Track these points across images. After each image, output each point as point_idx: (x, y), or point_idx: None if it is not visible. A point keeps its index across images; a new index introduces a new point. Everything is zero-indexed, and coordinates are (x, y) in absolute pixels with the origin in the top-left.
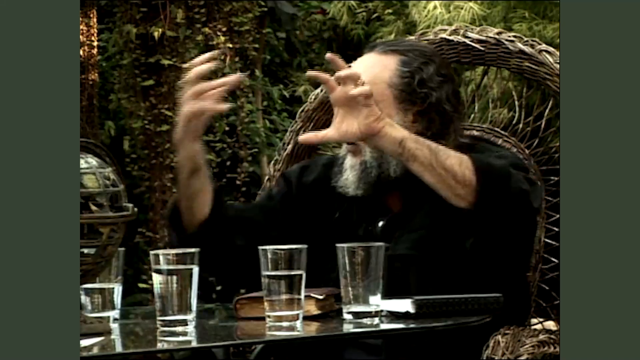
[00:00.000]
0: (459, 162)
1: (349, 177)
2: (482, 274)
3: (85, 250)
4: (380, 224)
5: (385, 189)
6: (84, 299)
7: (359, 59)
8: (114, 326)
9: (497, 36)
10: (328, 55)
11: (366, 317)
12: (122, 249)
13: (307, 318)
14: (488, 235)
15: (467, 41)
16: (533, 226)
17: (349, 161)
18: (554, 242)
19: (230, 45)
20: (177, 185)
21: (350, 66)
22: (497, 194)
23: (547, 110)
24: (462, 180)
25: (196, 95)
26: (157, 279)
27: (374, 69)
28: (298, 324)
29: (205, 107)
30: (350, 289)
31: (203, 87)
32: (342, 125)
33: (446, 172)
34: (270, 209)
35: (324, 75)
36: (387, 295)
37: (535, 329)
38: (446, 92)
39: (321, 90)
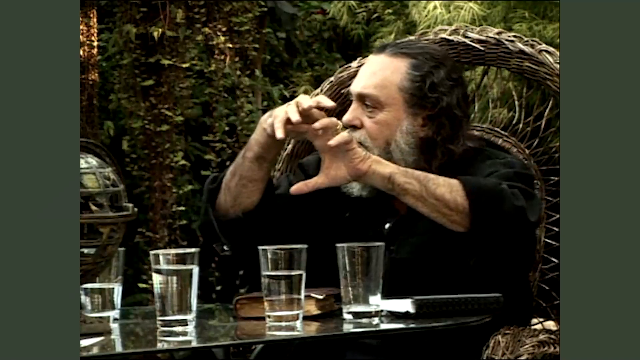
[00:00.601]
0: (449, 190)
1: None
2: (484, 280)
3: (85, 250)
4: (387, 226)
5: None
6: (84, 299)
7: (369, 61)
8: (114, 326)
9: (497, 36)
10: (295, 120)
11: (366, 317)
12: (122, 249)
13: (307, 318)
14: (489, 254)
15: (467, 41)
16: (532, 239)
17: None
18: (554, 242)
19: (230, 45)
20: (235, 161)
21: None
22: (491, 216)
23: (547, 110)
24: (455, 207)
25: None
26: (157, 279)
27: (385, 71)
28: (298, 324)
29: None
30: (350, 289)
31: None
32: (331, 171)
33: (438, 201)
34: (295, 203)
35: (304, 127)
36: (388, 297)
37: (535, 329)
38: (457, 97)
39: (321, 91)
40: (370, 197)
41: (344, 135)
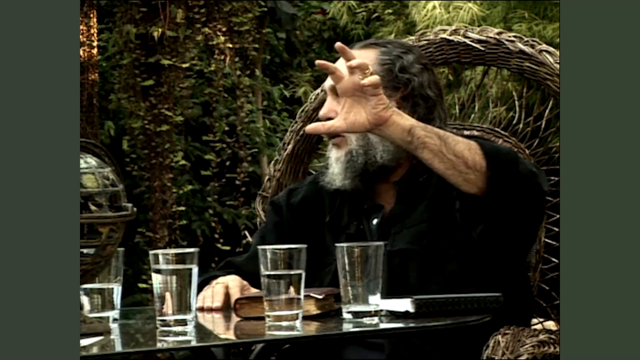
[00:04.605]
0: (468, 148)
1: (334, 169)
2: (484, 267)
3: (85, 250)
4: (375, 221)
5: (373, 177)
6: (84, 299)
7: (341, 58)
8: (114, 326)
9: (497, 36)
10: (337, 44)
11: (366, 317)
12: (122, 249)
13: (307, 318)
14: (499, 220)
15: (468, 41)
16: (542, 210)
17: (334, 154)
18: (554, 242)
19: (230, 45)
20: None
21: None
22: (507, 178)
23: (547, 110)
24: (473, 165)
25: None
26: (157, 279)
27: None
28: (298, 323)
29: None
30: (349, 288)
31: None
32: (350, 116)
33: (457, 158)
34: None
35: (332, 65)
36: (387, 291)
37: (535, 329)
38: (427, 79)
39: (321, 91)
40: (352, 196)
41: (375, 77)
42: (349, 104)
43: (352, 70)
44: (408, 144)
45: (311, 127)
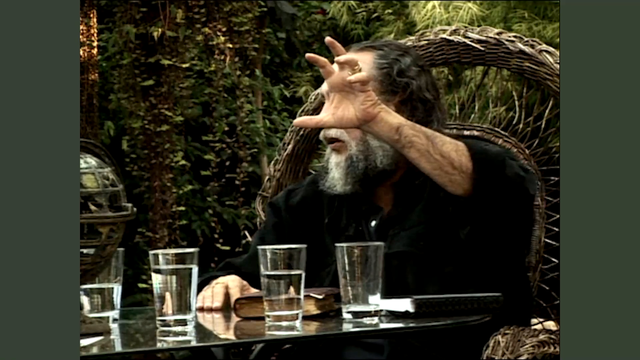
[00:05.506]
0: (455, 149)
1: (335, 174)
2: (480, 267)
3: (85, 250)
4: (373, 223)
5: (373, 182)
6: (84, 299)
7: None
8: (114, 326)
9: (497, 36)
10: (327, 39)
11: (365, 317)
12: (122, 249)
13: (307, 318)
14: (484, 222)
15: (468, 41)
16: (530, 214)
17: (334, 159)
18: (554, 242)
19: (230, 45)
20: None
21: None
22: (493, 180)
23: (547, 110)
24: (459, 166)
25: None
26: (156, 278)
27: None
28: (297, 323)
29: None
30: (349, 288)
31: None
32: (338, 111)
33: (443, 158)
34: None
35: (322, 59)
36: (386, 293)
37: (535, 329)
38: (425, 81)
39: (319, 94)
40: (351, 198)
41: (363, 74)
42: (337, 99)
43: (341, 65)
44: (395, 142)
45: (299, 120)
